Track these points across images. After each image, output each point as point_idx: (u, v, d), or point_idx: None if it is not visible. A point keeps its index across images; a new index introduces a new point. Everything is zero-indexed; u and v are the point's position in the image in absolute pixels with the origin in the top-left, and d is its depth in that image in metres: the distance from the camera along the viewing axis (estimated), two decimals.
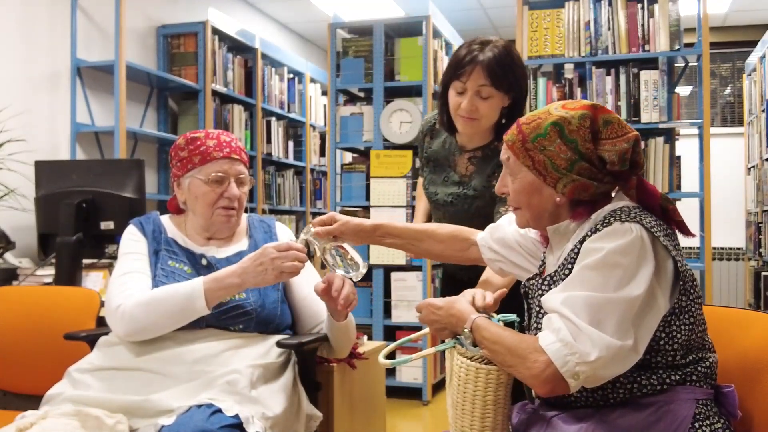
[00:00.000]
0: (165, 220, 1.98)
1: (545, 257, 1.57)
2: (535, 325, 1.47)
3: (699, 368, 1.39)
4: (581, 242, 1.38)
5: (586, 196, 1.42)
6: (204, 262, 1.87)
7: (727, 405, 1.41)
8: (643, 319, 1.32)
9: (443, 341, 1.52)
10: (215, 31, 4.88)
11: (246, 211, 2.01)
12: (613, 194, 1.47)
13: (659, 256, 1.34)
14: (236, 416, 1.55)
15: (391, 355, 1.55)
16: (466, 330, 1.41)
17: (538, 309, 1.46)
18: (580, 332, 1.27)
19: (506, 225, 1.72)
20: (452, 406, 1.45)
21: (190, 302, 1.71)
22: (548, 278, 1.46)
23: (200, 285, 1.72)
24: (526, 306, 1.55)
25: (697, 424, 1.34)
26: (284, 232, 2.01)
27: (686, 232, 1.44)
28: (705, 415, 1.36)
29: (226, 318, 1.78)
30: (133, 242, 1.90)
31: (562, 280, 1.39)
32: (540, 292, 1.46)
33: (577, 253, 1.38)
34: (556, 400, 1.42)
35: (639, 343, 1.31)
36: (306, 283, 1.93)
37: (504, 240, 1.70)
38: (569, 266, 1.39)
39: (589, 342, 1.26)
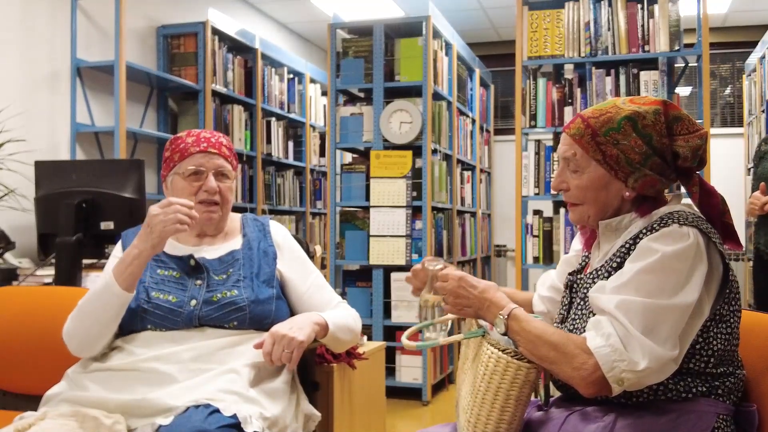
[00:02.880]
0: None
1: (590, 254, 1.57)
2: (573, 317, 1.47)
3: (727, 382, 1.38)
4: (633, 239, 1.39)
5: (652, 192, 1.43)
6: (192, 263, 1.85)
7: (744, 424, 1.41)
8: (688, 328, 1.33)
9: (455, 322, 1.50)
10: (215, 31, 4.88)
11: (245, 211, 2.01)
12: (668, 197, 1.47)
13: (712, 261, 1.35)
14: (234, 416, 1.54)
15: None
16: (500, 317, 1.39)
17: (579, 301, 1.47)
18: (631, 339, 1.27)
19: (552, 272, 1.74)
20: (471, 394, 1.44)
21: (107, 291, 1.72)
22: (594, 272, 1.46)
23: (110, 272, 1.74)
24: (568, 298, 1.55)
25: None
26: (278, 230, 1.99)
27: (733, 237, 1.42)
28: (723, 431, 1.35)
29: (220, 315, 1.77)
30: (113, 258, 1.93)
31: (609, 273, 1.39)
32: (586, 285, 1.47)
33: (628, 249, 1.38)
34: (575, 396, 1.41)
35: (681, 354, 1.32)
36: (304, 279, 1.93)
37: (554, 285, 1.71)
38: (617, 260, 1.40)
39: (639, 351, 1.26)
